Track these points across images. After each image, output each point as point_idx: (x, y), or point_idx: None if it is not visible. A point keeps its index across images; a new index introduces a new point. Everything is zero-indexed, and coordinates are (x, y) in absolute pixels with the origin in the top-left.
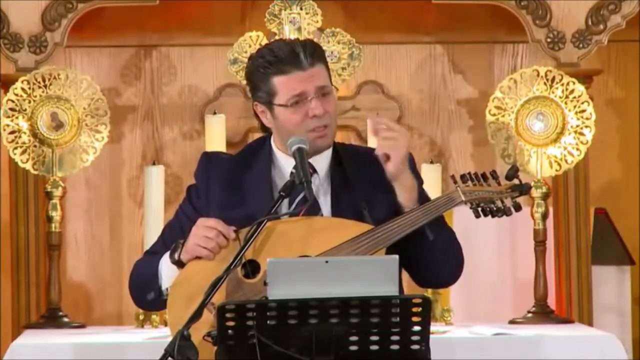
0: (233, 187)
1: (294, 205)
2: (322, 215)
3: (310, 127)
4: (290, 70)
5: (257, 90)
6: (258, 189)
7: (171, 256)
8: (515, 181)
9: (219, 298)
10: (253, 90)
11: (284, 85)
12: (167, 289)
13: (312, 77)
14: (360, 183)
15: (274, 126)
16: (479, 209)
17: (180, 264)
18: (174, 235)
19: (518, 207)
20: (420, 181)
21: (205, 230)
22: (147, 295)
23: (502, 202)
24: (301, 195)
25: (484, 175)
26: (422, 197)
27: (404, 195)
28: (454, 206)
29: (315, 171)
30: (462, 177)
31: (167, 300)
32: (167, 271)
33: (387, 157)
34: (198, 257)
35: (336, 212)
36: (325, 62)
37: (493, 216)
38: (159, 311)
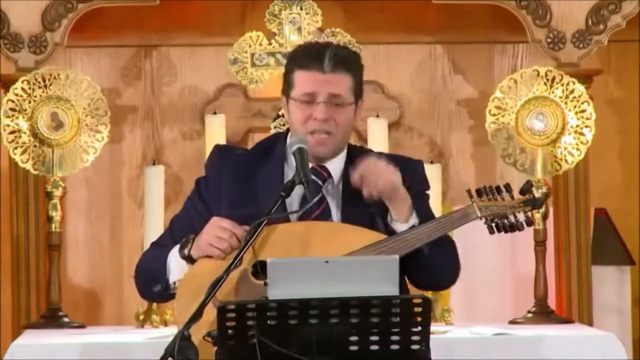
0: (245, 183)
1: (307, 206)
2: (332, 220)
3: (310, 128)
4: (311, 68)
5: (284, 81)
6: (270, 187)
7: (181, 251)
8: (529, 195)
9: (227, 294)
10: (283, 83)
11: (301, 80)
12: (174, 282)
13: (328, 82)
14: None
15: (288, 120)
16: (493, 224)
17: (189, 259)
18: (182, 229)
19: (530, 222)
20: (427, 186)
21: (219, 231)
22: (153, 287)
23: (515, 216)
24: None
25: (498, 189)
26: (426, 213)
27: (399, 208)
28: (470, 221)
29: (330, 176)
30: (478, 191)
31: (173, 293)
32: (175, 265)
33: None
34: (209, 256)
35: (346, 217)
36: (355, 74)
37: (506, 232)
38: (163, 302)
